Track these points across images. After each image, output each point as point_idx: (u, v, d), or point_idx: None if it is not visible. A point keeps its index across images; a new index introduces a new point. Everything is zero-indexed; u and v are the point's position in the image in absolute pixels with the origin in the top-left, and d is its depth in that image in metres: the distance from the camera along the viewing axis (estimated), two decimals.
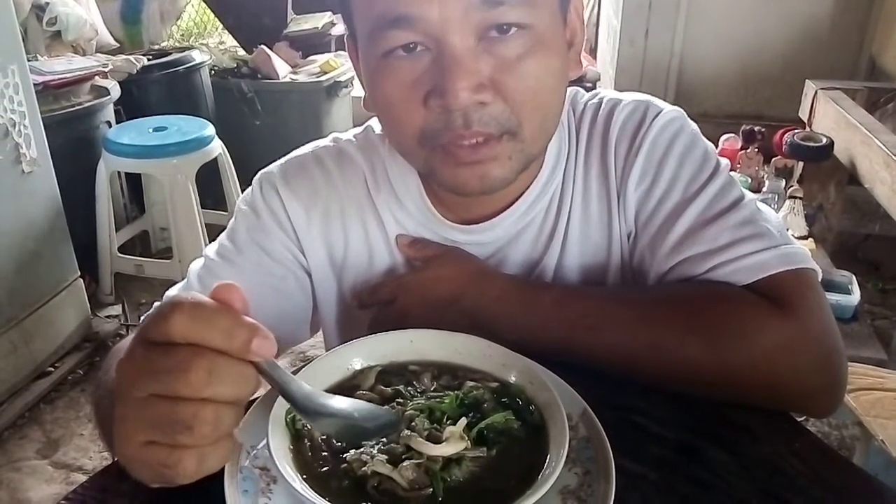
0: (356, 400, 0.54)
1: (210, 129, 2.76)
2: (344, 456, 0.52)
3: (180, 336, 0.44)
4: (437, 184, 0.75)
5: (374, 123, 0.86)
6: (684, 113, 0.81)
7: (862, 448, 1.59)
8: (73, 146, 2.58)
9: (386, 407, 0.55)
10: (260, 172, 0.85)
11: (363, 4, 0.68)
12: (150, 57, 3.18)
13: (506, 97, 0.66)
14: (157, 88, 3.10)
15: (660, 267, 0.75)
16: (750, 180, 2.63)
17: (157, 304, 0.77)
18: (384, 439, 0.53)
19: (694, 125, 0.81)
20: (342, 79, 3.64)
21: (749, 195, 0.77)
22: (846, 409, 1.43)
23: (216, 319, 0.45)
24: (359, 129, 0.88)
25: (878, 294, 2.71)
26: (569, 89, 0.77)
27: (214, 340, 0.44)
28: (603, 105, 0.82)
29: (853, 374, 1.46)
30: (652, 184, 0.77)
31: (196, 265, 0.82)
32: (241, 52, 3.95)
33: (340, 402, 0.52)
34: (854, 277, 2.13)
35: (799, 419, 0.69)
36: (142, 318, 0.50)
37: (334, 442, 0.53)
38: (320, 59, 3.73)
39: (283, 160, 0.86)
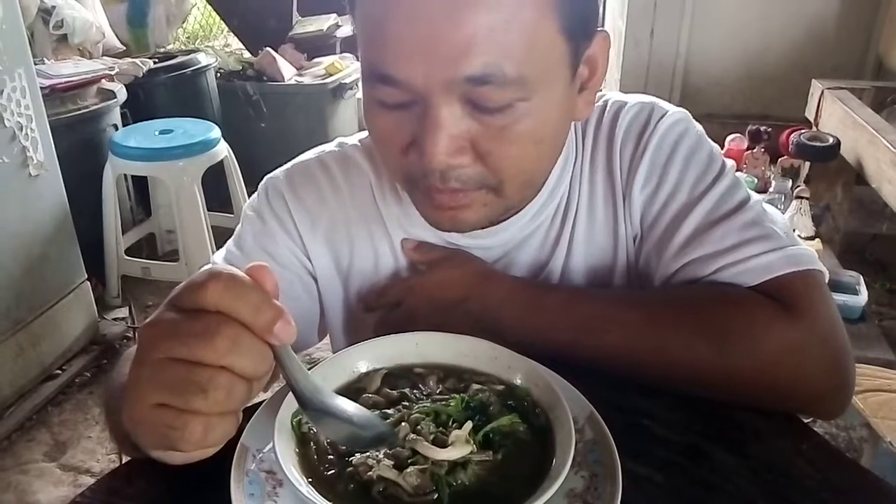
0: (359, 406, 0.54)
1: (216, 132, 2.77)
2: (350, 459, 0.52)
3: (212, 303, 0.45)
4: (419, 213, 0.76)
5: None
6: (689, 115, 0.81)
7: (870, 450, 1.58)
8: (80, 149, 2.60)
9: (385, 421, 0.55)
10: (266, 178, 0.85)
11: (361, 44, 0.66)
12: (156, 60, 3.20)
13: (485, 161, 0.65)
14: (163, 91, 3.12)
15: (666, 269, 0.75)
16: (756, 180, 2.62)
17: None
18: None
19: (699, 126, 0.81)
20: (347, 81, 3.65)
21: (755, 196, 0.77)
22: (854, 411, 1.42)
23: (248, 294, 0.46)
24: (365, 134, 0.88)
25: (885, 294, 2.70)
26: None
27: (242, 313, 0.45)
28: (608, 108, 0.82)
29: (861, 375, 1.45)
30: (657, 186, 0.77)
31: None
32: (247, 54, 3.97)
33: (342, 404, 0.52)
34: (861, 278, 2.12)
35: (806, 421, 0.69)
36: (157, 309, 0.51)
37: (340, 446, 0.53)
38: (325, 61, 3.74)
39: (288, 165, 0.86)
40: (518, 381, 0.59)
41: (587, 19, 0.66)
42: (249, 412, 0.57)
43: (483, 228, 0.75)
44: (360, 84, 3.74)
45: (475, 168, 0.66)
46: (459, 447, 0.52)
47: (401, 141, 0.66)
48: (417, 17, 0.59)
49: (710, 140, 0.80)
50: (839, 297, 1.91)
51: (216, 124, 2.84)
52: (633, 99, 0.82)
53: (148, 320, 0.49)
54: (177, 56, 3.32)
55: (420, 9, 0.59)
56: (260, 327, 0.46)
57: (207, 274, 0.46)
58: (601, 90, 0.76)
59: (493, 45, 0.59)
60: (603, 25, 3.88)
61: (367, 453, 0.52)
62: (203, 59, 3.31)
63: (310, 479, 0.50)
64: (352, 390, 0.59)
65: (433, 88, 0.61)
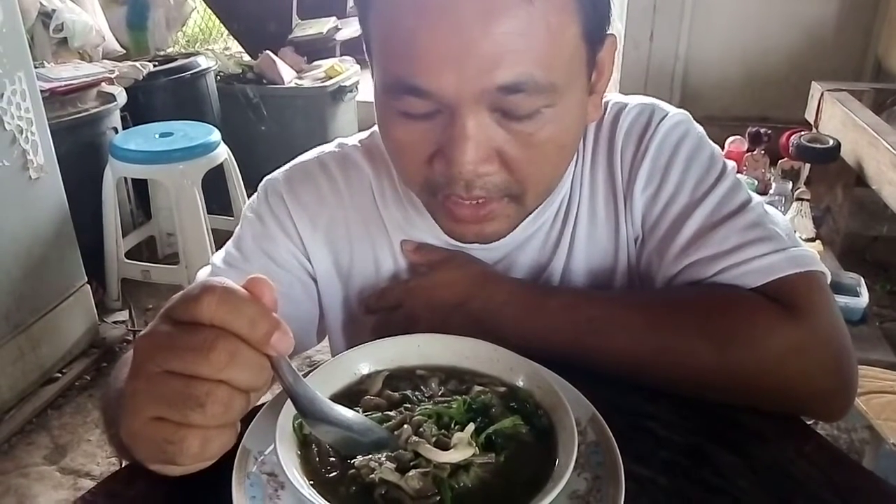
0: (356, 413, 0.54)
1: (216, 135, 2.77)
2: (352, 462, 0.52)
3: (207, 317, 0.45)
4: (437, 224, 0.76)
5: None
6: (690, 116, 0.81)
7: (872, 451, 1.58)
8: (80, 152, 2.59)
9: (384, 426, 0.54)
10: (265, 179, 0.85)
11: (381, 55, 0.66)
12: (156, 63, 3.20)
13: (511, 168, 0.66)
14: (163, 94, 3.12)
15: (667, 270, 0.75)
16: (756, 182, 2.62)
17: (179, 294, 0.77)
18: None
19: (700, 128, 0.80)
20: (347, 84, 3.65)
21: (756, 198, 0.76)
22: (856, 413, 1.42)
23: (244, 307, 0.46)
24: (364, 134, 0.88)
25: (886, 296, 2.70)
26: None
27: (238, 326, 0.45)
28: (608, 109, 0.82)
29: (863, 377, 1.44)
30: (658, 187, 0.77)
31: (203, 273, 0.82)
32: (247, 57, 3.98)
33: (341, 412, 0.52)
34: (862, 279, 2.12)
35: (809, 422, 0.69)
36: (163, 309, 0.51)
37: None
38: (325, 64, 3.75)
39: (287, 166, 0.86)
40: (520, 383, 0.59)
41: (603, 24, 0.67)
42: (251, 414, 0.57)
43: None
44: (359, 87, 3.75)
45: (501, 175, 0.66)
46: (462, 449, 0.51)
47: (424, 151, 0.66)
48: (449, 29, 0.58)
49: (710, 141, 0.80)
50: (840, 299, 1.91)
51: (216, 127, 2.84)
52: (634, 100, 0.82)
53: (143, 332, 0.48)
54: (176, 59, 3.33)
55: (452, 20, 0.58)
56: (256, 340, 0.46)
57: (202, 287, 0.46)
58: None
59: (524, 53, 0.59)
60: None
61: (370, 456, 0.52)
62: (203, 62, 3.31)
63: (311, 482, 0.50)
64: (353, 392, 0.59)
65: (464, 99, 0.61)
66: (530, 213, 0.75)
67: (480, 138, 0.62)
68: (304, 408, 0.50)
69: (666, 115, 0.79)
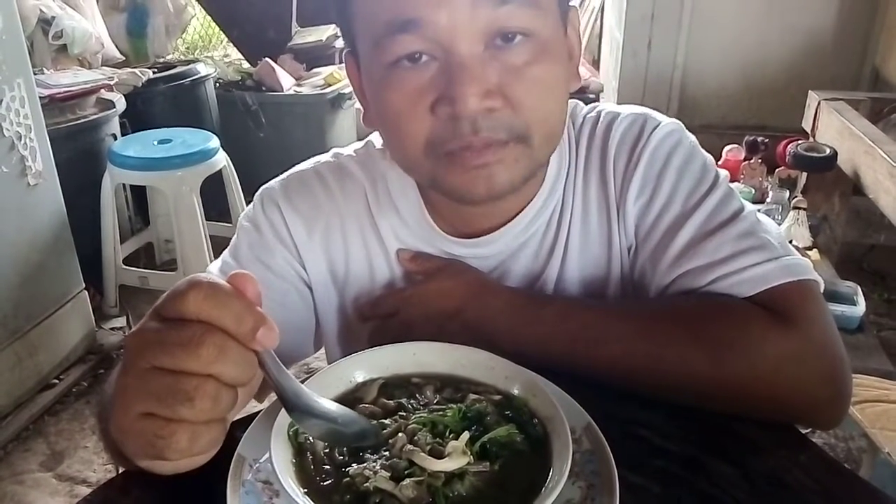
0: (341, 406, 0.55)
1: (214, 142, 2.77)
2: (347, 470, 0.52)
3: (194, 313, 0.46)
4: (442, 192, 0.75)
5: (375, 138, 0.86)
6: (682, 125, 0.81)
7: (868, 460, 1.58)
8: (79, 159, 2.60)
9: (366, 419, 0.55)
10: (261, 188, 0.85)
11: (368, 12, 0.68)
12: (156, 70, 3.21)
13: (513, 104, 0.67)
14: (162, 101, 3.12)
15: (661, 280, 0.75)
16: (753, 191, 2.63)
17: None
18: (386, 453, 0.53)
19: (692, 137, 0.81)
20: (346, 91, 3.65)
21: (749, 206, 0.77)
22: (852, 422, 1.42)
23: (230, 302, 0.46)
24: (359, 144, 0.88)
25: (883, 304, 2.70)
26: (568, 102, 0.77)
27: (225, 321, 0.46)
28: (601, 119, 0.82)
29: (859, 385, 1.45)
30: (651, 197, 0.77)
31: None
32: (246, 64, 3.98)
33: (325, 405, 0.53)
34: (859, 288, 2.12)
35: (804, 431, 0.69)
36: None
37: (336, 456, 0.54)
38: (324, 71, 3.75)
39: (283, 176, 0.86)
40: (515, 392, 0.59)
41: None
42: (246, 422, 0.57)
43: (514, 191, 0.73)
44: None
45: (505, 112, 0.67)
46: (456, 458, 0.52)
47: (425, 101, 0.67)
48: None
49: (703, 150, 0.80)
50: (837, 308, 1.91)
51: (215, 134, 2.84)
52: (626, 110, 0.82)
53: (133, 330, 0.49)
54: (176, 66, 3.34)
55: None
56: (243, 335, 0.46)
57: (188, 283, 0.47)
58: (598, 102, 0.77)
59: None
60: (601, 35, 3.86)
61: (365, 464, 0.52)
62: (202, 69, 3.32)
63: (306, 490, 0.50)
64: (348, 400, 0.59)
65: (457, 26, 0.63)
66: (543, 163, 0.76)
67: (478, 72, 0.64)
68: (290, 401, 0.50)
69: (658, 124, 0.79)
